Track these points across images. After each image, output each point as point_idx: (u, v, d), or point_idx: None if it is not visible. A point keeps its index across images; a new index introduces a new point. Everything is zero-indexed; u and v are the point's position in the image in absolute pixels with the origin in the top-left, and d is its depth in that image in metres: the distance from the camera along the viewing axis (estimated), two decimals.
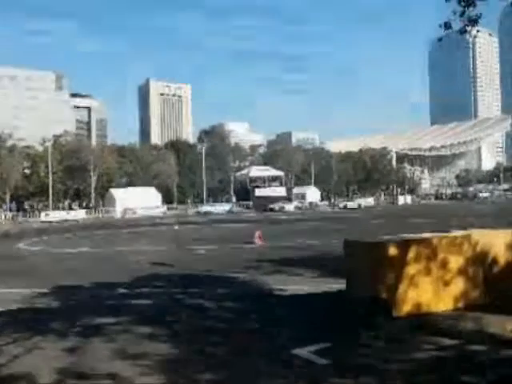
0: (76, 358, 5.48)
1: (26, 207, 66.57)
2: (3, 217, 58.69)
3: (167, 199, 73.22)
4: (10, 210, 62.07)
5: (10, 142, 65.58)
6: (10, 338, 6.41)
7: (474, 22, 7.03)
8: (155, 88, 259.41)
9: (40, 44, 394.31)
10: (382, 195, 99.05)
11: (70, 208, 68.36)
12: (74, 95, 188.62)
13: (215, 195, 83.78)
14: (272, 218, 44.32)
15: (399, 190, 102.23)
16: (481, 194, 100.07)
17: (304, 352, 5.32)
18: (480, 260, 7.34)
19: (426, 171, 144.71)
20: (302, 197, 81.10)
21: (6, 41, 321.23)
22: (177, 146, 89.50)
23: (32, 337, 6.42)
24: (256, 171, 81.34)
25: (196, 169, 79.89)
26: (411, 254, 6.91)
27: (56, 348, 5.88)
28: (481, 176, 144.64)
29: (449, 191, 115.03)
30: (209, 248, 19.56)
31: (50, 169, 61.87)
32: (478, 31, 7.70)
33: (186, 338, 6.20)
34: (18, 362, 5.39)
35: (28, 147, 72.05)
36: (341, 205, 72.50)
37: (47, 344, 6.09)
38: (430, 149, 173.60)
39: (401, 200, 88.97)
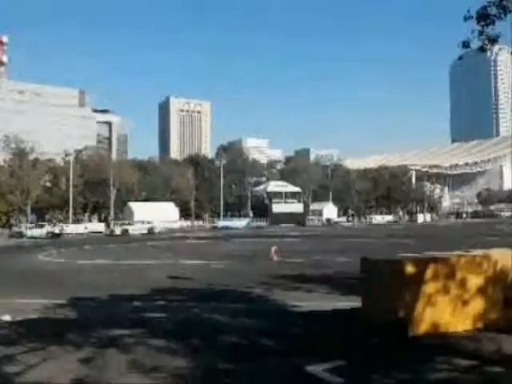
0: (91, 369, 5.50)
1: (47, 219, 67.59)
2: (23, 228, 59.73)
3: (185, 214, 73.65)
4: (31, 222, 63.11)
5: (32, 156, 67.03)
6: (26, 347, 6.48)
7: (493, 41, 7.00)
8: (175, 104, 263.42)
9: (63, 60, 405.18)
10: (401, 213, 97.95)
11: (90, 221, 69.24)
12: (95, 111, 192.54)
13: (233, 210, 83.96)
14: (289, 234, 44.15)
15: (419, 208, 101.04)
16: (502, 213, 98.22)
17: (318, 370, 5.26)
18: (500, 280, 7.18)
19: (446, 189, 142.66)
20: (320, 213, 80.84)
21: (32, 57, 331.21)
22: (195, 161, 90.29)
23: (48, 346, 6.48)
24: (273, 187, 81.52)
25: (214, 184, 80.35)
26: (429, 272, 6.80)
27: (71, 358, 5.92)
28: (502, 195, 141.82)
29: (470, 210, 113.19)
30: (225, 263, 19.56)
31: (71, 182, 62.98)
32: (499, 49, 7.71)
33: (200, 352, 6.19)
34: (33, 372, 5.43)
35: (50, 161, 73.56)
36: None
37: (63, 354, 6.14)
38: (451, 167, 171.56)
39: (420, 218, 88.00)
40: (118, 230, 51.61)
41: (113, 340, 6.80)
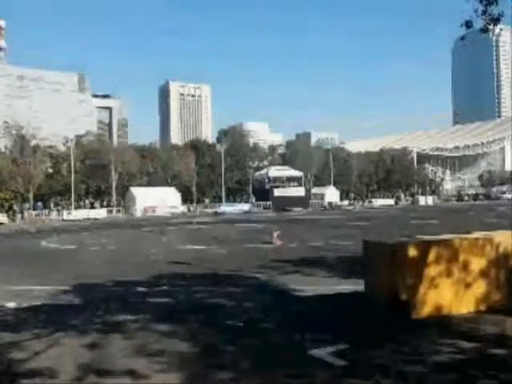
0: (96, 354, 5.55)
1: (51, 206, 67.67)
2: (26, 215, 59.84)
3: (186, 198, 73.68)
4: (34, 209, 63.18)
5: (33, 142, 66.84)
6: (32, 333, 6.53)
7: (495, 20, 6.90)
8: (175, 89, 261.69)
9: (62, 44, 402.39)
10: (402, 196, 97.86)
11: (92, 207, 69.36)
12: (95, 96, 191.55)
13: (234, 195, 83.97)
14: (291, 219, 44.20)
15: (420, 190, 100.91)
16: (504, 195, 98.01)
17: (321, 353, 5.29)
18: (502, 262, 7.19)
19: (448, 172, 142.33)
20: (321, 197, 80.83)
21: (32, 43, 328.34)
22: (196, 146, 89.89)
23: (53, 333, 6.53)
24: (275, 171, 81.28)
25: (215, 168, 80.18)
26: (432, 255, 6.81)
27: (76, 344, 5.96)
28: (504, 177, 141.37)
29: (471, 192, 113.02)
30: (227, 247, 19.61)
31: (72, 168, 62.98)
32: (501, 29, 7.65)
33: (204, 337, 6.22)
34: (39, 358, 5.48)
35: (51, 147, 73.38)
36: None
37: (68, 340, 6.18)
38: (453, 149, 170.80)
39: (421, 201, 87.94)
40: None
41: (117, 325, 6.85)
